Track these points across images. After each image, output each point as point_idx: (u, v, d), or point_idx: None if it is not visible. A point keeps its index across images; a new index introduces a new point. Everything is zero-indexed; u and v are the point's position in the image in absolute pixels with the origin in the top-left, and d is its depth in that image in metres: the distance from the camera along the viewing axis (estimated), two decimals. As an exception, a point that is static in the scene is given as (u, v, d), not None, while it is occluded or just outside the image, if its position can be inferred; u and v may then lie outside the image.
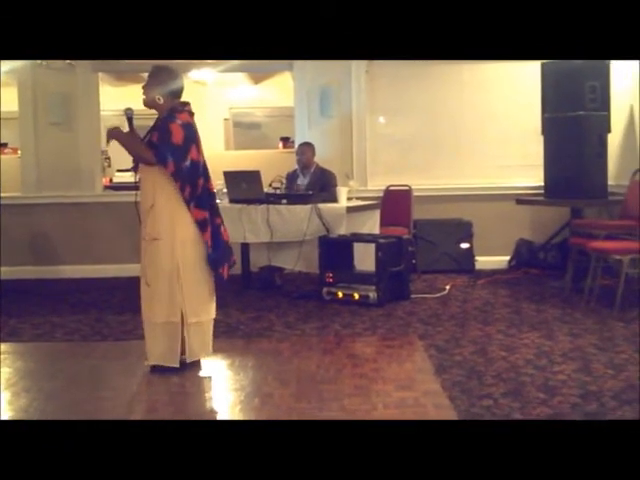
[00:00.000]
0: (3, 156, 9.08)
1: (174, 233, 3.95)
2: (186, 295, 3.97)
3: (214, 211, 4.11)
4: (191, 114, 4.07)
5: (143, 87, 4.08)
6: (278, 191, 6.33)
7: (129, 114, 4.02)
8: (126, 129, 4.07)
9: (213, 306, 4.16)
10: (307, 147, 6.58)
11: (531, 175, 7.00)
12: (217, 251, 4.04)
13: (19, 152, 7.89)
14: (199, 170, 3.99)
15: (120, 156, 7.45)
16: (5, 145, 9.28)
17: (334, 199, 6.14)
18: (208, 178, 4.09)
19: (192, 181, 3.95)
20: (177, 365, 4.01)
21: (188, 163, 3.93)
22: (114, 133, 4.07)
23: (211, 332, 4.17)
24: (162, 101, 4.01)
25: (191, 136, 3.98)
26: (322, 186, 6.34)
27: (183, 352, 4.03)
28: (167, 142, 3.91)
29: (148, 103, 4.06)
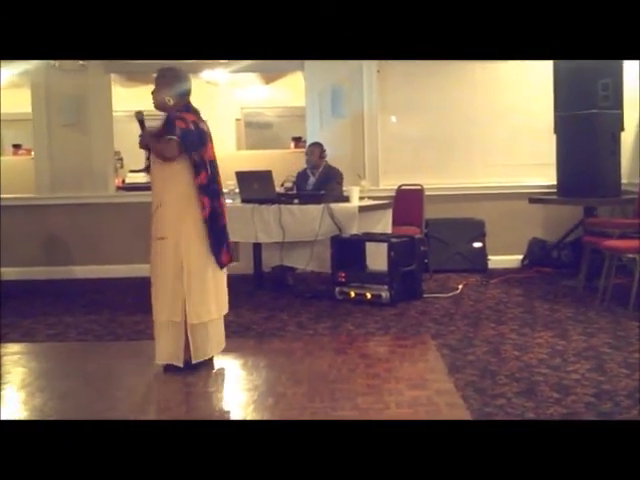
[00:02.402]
0: (17, 157, 9.15)
1: (180, 232, 3.96)
2: (190, 295, 3.97)
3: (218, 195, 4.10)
4: (197, 114, 4.06)
5: (152, 92, 4.07)
6: (289, 191, 6.33)
7: (140, 117, 4.04)
8: (139, 132, 4.08)
9: (221, 305, 4.15)
10: (315, 147, 6.60)
11: (544, 174, 6.98)
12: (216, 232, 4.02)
13: (32, 153, 7.94)
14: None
15: (132, 157, 7.53)
16: (19, 146, 9.35)
17: (339, 195, 6.15)
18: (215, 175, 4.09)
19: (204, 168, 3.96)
20: (181, 365, 4.01)
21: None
22: (145, 140, 4.02)
23: (216, 332, 4.14)
24: (172, 102, 4.01)
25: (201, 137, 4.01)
26: (326, 183, 6.36)
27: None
28: (184, 130, 3.90)
29: (158, 105, 4.05)
